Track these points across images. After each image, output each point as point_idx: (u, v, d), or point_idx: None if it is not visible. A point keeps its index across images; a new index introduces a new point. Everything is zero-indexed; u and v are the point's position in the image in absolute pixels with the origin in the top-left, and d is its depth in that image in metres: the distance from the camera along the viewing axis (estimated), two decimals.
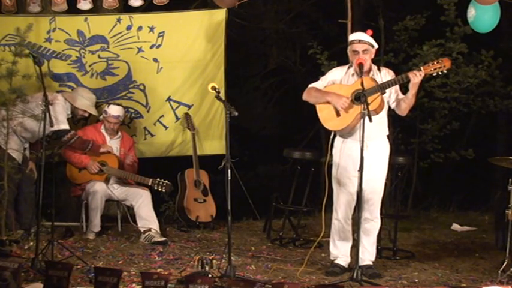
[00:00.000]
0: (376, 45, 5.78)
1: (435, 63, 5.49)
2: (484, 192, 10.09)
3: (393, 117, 9.08)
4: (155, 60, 7.59)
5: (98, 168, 6.93)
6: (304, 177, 7.04)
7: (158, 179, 6.90)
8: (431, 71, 5.49)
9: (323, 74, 6.27)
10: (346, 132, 5.72)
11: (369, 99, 5.42)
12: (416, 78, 5.48)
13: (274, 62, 11.82)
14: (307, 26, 11.52)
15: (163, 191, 6.95)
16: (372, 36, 5.74)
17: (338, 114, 5.69)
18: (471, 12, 6.68)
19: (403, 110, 5.74)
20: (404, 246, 6.93)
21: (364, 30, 5.81)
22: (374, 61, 5.87)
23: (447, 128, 9.45)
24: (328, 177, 5.86)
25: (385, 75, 5.73)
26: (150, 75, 7.61)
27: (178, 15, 7.65)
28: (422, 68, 5.52)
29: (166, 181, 6.90)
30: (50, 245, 5.62)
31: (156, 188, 6.92)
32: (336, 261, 5.88)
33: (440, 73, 5.52)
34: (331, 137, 5.82)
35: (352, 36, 5.78)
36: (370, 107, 5.39)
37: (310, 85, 5.90)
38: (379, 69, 5.79)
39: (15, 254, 5.60)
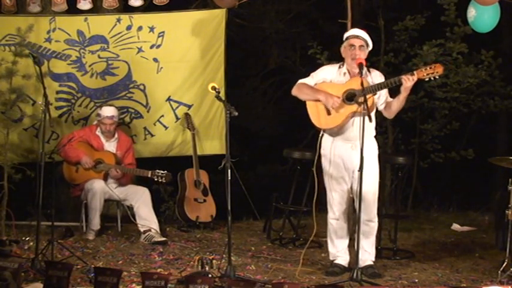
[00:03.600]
0: (371, 46, 5.78)
1: (428, 68, 5.49)
2: (484, 192, 10.08)
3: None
4: (155, 60, 7.59)
5: (92, 164, 6.90)
6: (304, 177, 7.03)
7: (157, 170, 6.91)
8: (423, 75, 5.48)
9: None
10: (335, 132, 5.73)
11: (362, 99, 5.42)
12: (408, 82, 5.47)
13: (274, 62, 11.83)
14: (307, 26, 11.51)
15: (163, 181, 6.94)
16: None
17: (329, 113, 5.68)
18: (471, 12, 6.67)
19: (392, 113, 5.75)
20: (404, 246, 6.93)
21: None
22: (373, 61, 5.86)
23: (447, 128, 9.45)
24: (317, 175, 5.86)
25: (376, 76, 5.72)
26: (150, 75, 7.61)
27: (178, 15, 7.65)
28: (415, 72, 5.51)
29: (166, 171, 6.91)
30: (50, 245, 5.62)
31: (156, 179, 6.91)
32: (336, 261, 5.88)
33: (432, 78, 5.52)
34: (320, 135, 5.82)
35: (349, 32, 5.79)
36: (363, 108, 5.41)
37: (300, 81, 5.87)
38: (369, 71, 5.76)
39: (15, 254, 5.60)
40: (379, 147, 5.88)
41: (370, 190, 5.68)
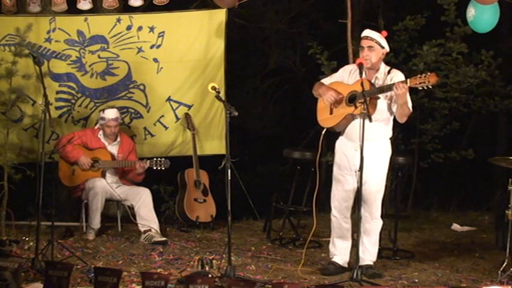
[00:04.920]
0: (386, 47, 5.72)
1: (422, 77, 5.37)
2: (484, 192, 10.09)
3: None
4: (155, 60, 7.59)
5: (89, 165, 6.90)
6: (304, 177, 7.04)
7: (155, 158, 6.93)
8: (416, 84, 5.39)
9: (323, 74, 6.28)
10: (341, 130, 5.78)
11: (360, 101, 5.44)
12: (399, 90, 5.41)
13: (274, 62, 11.84)
14: (307, 26, 11.53)
15: (163, 168, 6.95)
16: (385, 38, 5.72)
17: (331, 111, 5.73)
18: (470, 12, 6.66)
19: (398, 118, 5.71)
20: (404, 246, 6.93)
21: (378, 30, 5.78)
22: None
23: (447, 128, 9.45)
24: (319, 172, 5.90)
25: (391, 79, 5.66)
26: (150, 75, 7.61)
27: (178, 15, 7.65)
28: (408, 80, 5.43)
29: (163, 158, 6.93)
30: (50, 245, 5.63)
31: (154, 167, 6.93)
32: (332, 259, 5.88)
33: (425, 88, 5.41)
34: (322, 132, 5.83)
35: (362, 33, 5.79)
36: (359, 110, 5.43)
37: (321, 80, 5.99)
38: (389, 72, 5.74)
39: (15, 254, 5.60)
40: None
41: (373, 190, 5.69)
